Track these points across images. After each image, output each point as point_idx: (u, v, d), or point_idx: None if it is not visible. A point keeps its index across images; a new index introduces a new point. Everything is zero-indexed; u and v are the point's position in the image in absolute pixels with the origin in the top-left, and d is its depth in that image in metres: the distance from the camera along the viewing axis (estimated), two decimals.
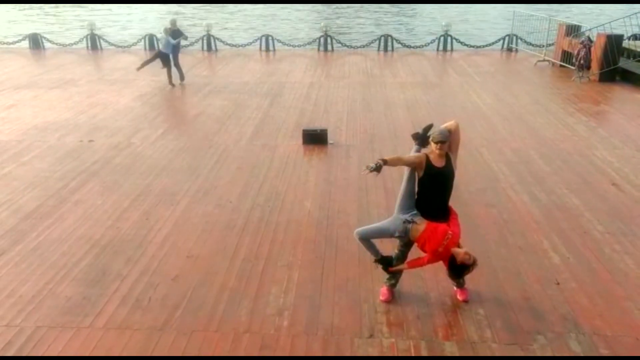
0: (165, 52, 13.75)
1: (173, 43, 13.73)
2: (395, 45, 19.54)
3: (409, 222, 4.69)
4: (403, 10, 38.40)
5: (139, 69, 14.40)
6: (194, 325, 4.81)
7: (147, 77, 15.17)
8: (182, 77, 14.34)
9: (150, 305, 5.09)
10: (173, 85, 13.99)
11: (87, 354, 4.49)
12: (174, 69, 14.04)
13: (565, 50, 15.62)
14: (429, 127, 5.13)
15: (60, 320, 4.89)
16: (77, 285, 5.41)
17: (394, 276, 5.10)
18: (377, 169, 4.46)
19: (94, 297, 5.22)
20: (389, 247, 5.19)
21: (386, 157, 4.64)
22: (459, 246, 4.65)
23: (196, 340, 4.63)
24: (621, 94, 13.29)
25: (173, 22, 14.79)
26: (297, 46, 19.88)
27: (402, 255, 4.94)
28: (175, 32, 14.28)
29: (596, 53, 14.20)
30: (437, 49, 19.41)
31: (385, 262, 4.99)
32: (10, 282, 5.48)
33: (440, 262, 4.79)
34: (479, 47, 19.42)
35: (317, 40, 19.72)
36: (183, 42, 15.35)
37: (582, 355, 4.45)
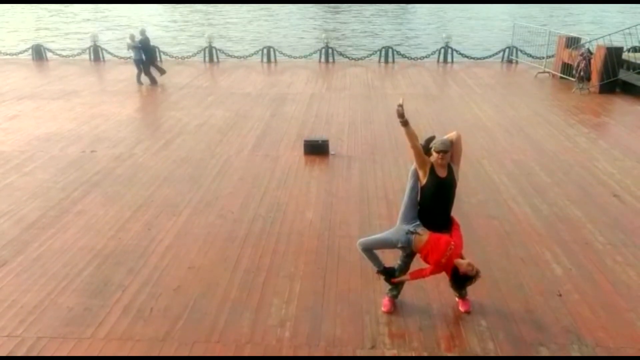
0: (136, 58, 15.67)
1: (135, 46, 15.46)
2: (396, 57, 19.65)
3: (412, 232, 4.70)
4: (404, 15, 38.70)
5: (139, 81, 15.74)
6: (196, 336, 4.80)
7: (149, 88, 15.30)
8: (153, 81, 15.80)
9: (152, 316, 5.08)
10: (141, 83, 15.68)
11: None
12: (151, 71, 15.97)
13: (565, 62, 15.70)
14: (431, 138, 5.14)
15: (62, 331, 4.89)
16: (78, 295, 5.41)
17: (396, 287, 5.10)
18: (402, 115, 4.66)
19: (96, 307, 5.21)
20: (390, 258, 5.19)
21: (409, 125, 4.70)
22: (461, 257, 4.66)
23: (198, 351, 4.63)
24: (621, 105, 13.34)
25: (142, 32, 16.01)
26: (299, 57, 19.99)
27: (405, 266, 4.95)
28: (143, 41, 15.71)
29: (596, 65, 14.27)
30: (438, 61, 19.52)
31: (388, 273, 5.00)
32: (12, 292, 5.48)
33: (442, 273, 4.80)
34: (479, 58, 19.52)
35: (319, 51, 19.84)
36: (186, 53, 16.62)
37: None
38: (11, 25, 35.33)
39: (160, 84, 15.65)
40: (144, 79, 15.72)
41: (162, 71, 16.18)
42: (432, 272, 4.74)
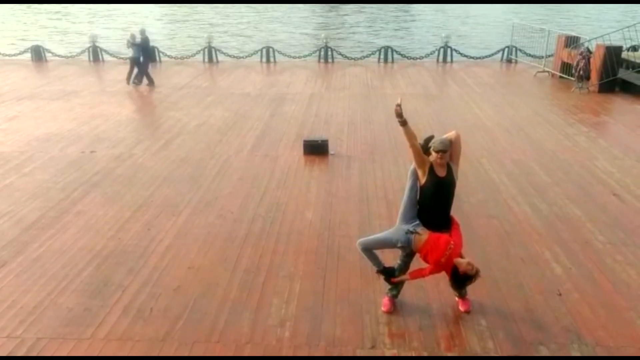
0: (134, 57, 15.33)
1: (135, 44, 15.27)
2: (395, 56, 19.65)
3: (412, 232, 4.70)
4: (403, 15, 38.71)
5: (128, 82, 15.52)
6: (196, 336, 4.80)
7: (148, 89, 15.29)
8: (141, 80, 15.59)
9: (152, 316, 5.08)
10: (135, 83, 15.44)
11: None
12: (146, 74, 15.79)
13: (564, 62, 15.70)
14: (430, 138, 5.14)
15: (62, 331, 4.88)
16: (78, 296, 5.41)
17: (396, 287, 5.10)
18: (400, 115, 4.65)
19: (95, 308, 5.21)
20: (390, 258, 5.19)
21: (408, 124, 4.69)
22: (461, 256, 4.66)
23: (198, 351, 4.62)
24: (621, 104, 13.34)
25: (142, 32, 15.95)
26: (298, 57, 19.98)
27: (405, 266, 4.95)
28: (143, 41, 15.64)
29: (595, 64, 14.27)
30: (437, 60, 19.52)
31: (388, 273, 5.00)
32: (12, 293, 5.48)
33: (442, 272, 4.79)
34: (479, 58, 19.52)
35: (318, 51, 19.84)
36: (185, 53, 16.35)
37: None
38: (10, 26, 35.30)
39: (158, 85, 15.57)
40: (138, 77, 15.56)
41: (150, 80, 15.66)
42: (432, 272, 4.74)
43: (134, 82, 15.48)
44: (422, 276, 4.87)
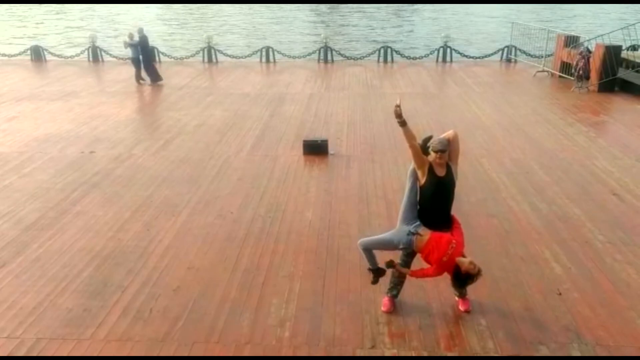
0: (134, 57, 15.71)
1: (132, 44, 15.51)
2: (395, 56, 19.65)
3: (413, 233, 4.69)
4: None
5: (138, 81, 15.75)
6: (195, 337, 4.80)
7: (148, 89, 15.30)
8: (154, 79, 15.82)
9: (152, 317, 5.08)
10: (140, 83, 15.75)
11: None
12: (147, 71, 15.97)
13: (564, 61, 15.69)
14: (428, 138, 5.14)
15: (61, 332, 4.88)
16: (78, 296, 5.41)
17: (396, 287, 5.10)
18: (399, 115, 4.64)
19: (95, 308, 5.21)
20: (391, 257, 5.18)
21: (407, 125, 4.68)
22: (463, 256, 4.65)
23: (197, 351, 4.62)
24: (620, 104, 13.33)
25: (140, 31, 15.99)
26: (297, 57, 19.98)
27: (405, 265, 4.94)
28: (141, 40, 15.70)
29: (595, 64, 14.27)
30: (437, 60, 19.51)
31: (378, 274, 5.09)
32: (11, 293, 5.48)
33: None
34: (478, 58, 19.51)
35: (317, 51, 19.84)
36: (185, 53, 16.60)
37: None
38: (10, 26, 35.29)
39: (158, 84, 15.62)
40: (144, 76, 15.75)
41: (157, 77, 15.78)
42: (435, 272, 4.71)
43: (151, 81, 15.66)
44: (424, 276, 4.87)
